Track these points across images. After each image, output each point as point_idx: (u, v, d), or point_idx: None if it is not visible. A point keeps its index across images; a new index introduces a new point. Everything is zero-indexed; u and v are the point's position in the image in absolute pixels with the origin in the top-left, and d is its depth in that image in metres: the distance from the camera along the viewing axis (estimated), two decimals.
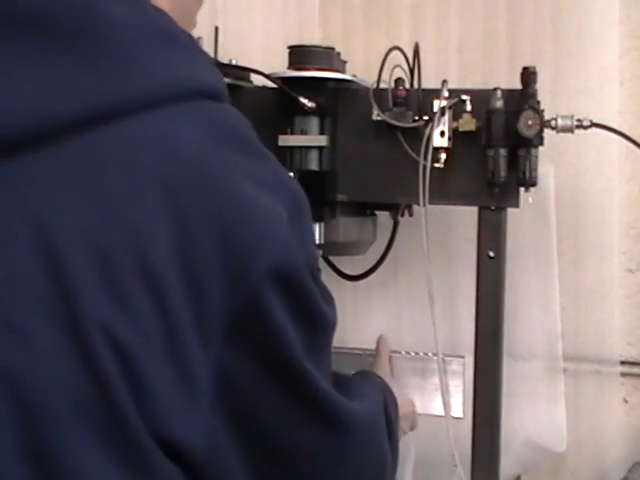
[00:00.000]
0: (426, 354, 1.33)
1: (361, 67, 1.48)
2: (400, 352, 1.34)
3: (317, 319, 0.73)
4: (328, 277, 1.52)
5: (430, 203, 1.28)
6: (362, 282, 1.56)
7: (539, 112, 1.27)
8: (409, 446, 1.32)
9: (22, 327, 0.61)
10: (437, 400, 1.30)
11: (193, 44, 0.71)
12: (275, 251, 0.66)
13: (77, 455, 0.62)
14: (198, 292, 0.64)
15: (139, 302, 0.62)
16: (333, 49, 1.36)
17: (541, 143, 1.29)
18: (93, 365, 0.61)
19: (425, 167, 1.28)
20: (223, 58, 1.38)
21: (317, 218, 1.32)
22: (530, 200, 1.31)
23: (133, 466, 0.63)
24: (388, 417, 0.96)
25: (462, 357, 1.33)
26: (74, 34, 0.64)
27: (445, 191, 1.32)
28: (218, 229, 0.64)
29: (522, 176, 1.28)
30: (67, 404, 0.61)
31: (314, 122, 1.34)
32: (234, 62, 1.37)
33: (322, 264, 1.45)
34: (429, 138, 1.29)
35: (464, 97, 1.30)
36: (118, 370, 0.61)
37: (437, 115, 1.29)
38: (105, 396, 0.61)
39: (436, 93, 1.31)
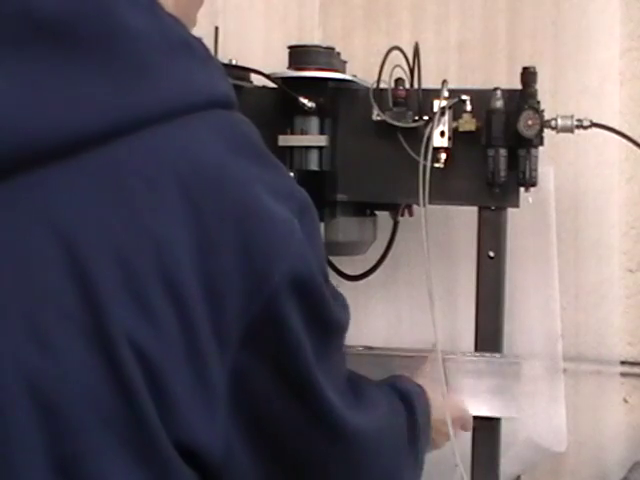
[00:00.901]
0: (483, 355, 1.30)
1: (361, 67, 1.48)
2: (456, 354, 1.30)
3: (330, 324, 0.74)
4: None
5: (430, 203, 1.28)
6: (362, 282, 1.56)
7: (539, 112, 1.27)
8: None
9: (51, 342, 0.62)
10: (492, 402, 1.28)
11: (207, 52, 0.71)
12: (292, 260, 0.67)
13: (104, 464, 0.63)
14: (218, 301, 0.65)
15: (163, 314, 0.63)
16: (333, 49, 1.36)
17: (541, 143, 1.29)
18: (120, 377, 0.62)
19: (425, 167, 1.28)
20: (223, 58, 1.38)
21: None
22: (530, 200, 1.31)
23: (155, 473, 0.64)
24: (413, 425, 0.97)
25: (518, 359, 1.31)
26: (94, 45, 0.64)
27: (445, 191, 1.32)
28: (238, 239, 0.65)
29: (522, 176, 1.28)
30: (95, 415, 0.62)
31: (314, 122, 1.34)
32: (234, 62, 1.37)
33: None
34: (429, 138, 1.29)
35: (464, 97, 1.30)
36: (143, 380, 0.62)
37: (437, 115, 1.29)
38: (131, 406, 0.62)
39: (436, 93, 1.31)
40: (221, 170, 0.66)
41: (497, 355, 1.29)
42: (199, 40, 0.71)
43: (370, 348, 1.36)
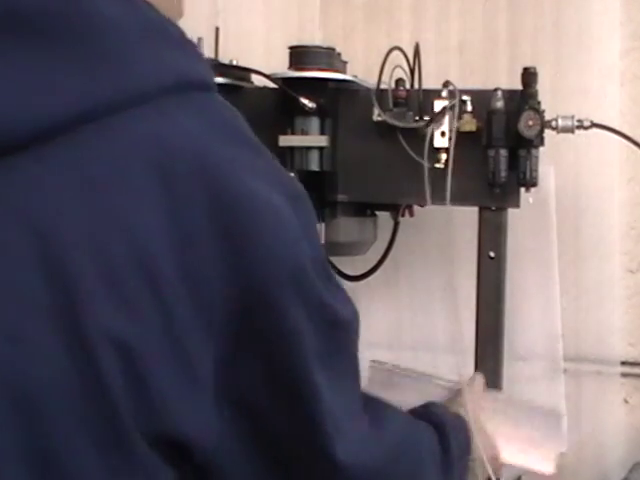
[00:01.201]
0: (523, 402, 1.21)
1: (362, 67, 1.48)
2: (495, 395, 1.21)
3: (326, 318, 0.69)
4: None
5: (431, 203, 1.28)
6: (363, 282, 1.56)
7: (539, 112, 1.27)
8: None
9: (22, 337, 0.60)
10: (528, 453, 1.17)
11: (183, 36, 0.70)
12: (281, 249, 0.65)
13: (77, 461, 0.61)
14: (199, 290, 0.63)
15: (141, 305, 0.61)
16: (334, 49, 1.36)
17: (542, 143, 1.29)
18: (96, 370, 0.60)
19: (430, 167, 1.28)
20: (224, 58, 1.38)
21: (317, 218, 1.31)
22: (530, 200, 1.31)
23: (129, 471, 0.63)
24: (446, 455, 0.89)
25: (560, 413, 1.24)
26: (64, 34, 0.63)
27: (446, 191, 1.32)
28: (219, 226, 0.63)
29: (523, 176, 1.28)
30: (69, 410, 0.61)
31: (315, 122, 1.34)
32: (235, 62, 1.37)
33: None
34: (433, 138, 1.29)
35: (465, 97, 1.30)
36: (121, 375, 0.61)
37: (442, 115, 1.29)
38: (105, 403, 0.61)
39: (436, 93, 1.31)
40: (198, 153, 0.64)
41: (539, 405, 1.20)
42: (176, 25, 0.70)
43: (401, 368, 1.27)
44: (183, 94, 0.66)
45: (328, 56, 1.35)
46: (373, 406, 0.80)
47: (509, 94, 1.30)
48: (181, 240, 0.62)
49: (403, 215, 1.47)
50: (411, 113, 1.32)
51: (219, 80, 1.33)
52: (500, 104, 1.29)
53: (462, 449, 0.96)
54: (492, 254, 1.33)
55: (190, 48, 0.70)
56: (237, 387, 0.66)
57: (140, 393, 0.61)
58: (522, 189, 1.30)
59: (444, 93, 1.30)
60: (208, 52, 1.39)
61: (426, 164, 1.28)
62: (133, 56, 0.64)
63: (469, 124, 1.30)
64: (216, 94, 0.69)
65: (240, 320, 0.64)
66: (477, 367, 1.34)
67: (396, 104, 1.33)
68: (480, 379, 1.18)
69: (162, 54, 0.66)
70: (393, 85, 1.33)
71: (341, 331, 0.72)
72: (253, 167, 0.66)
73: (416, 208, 1.43)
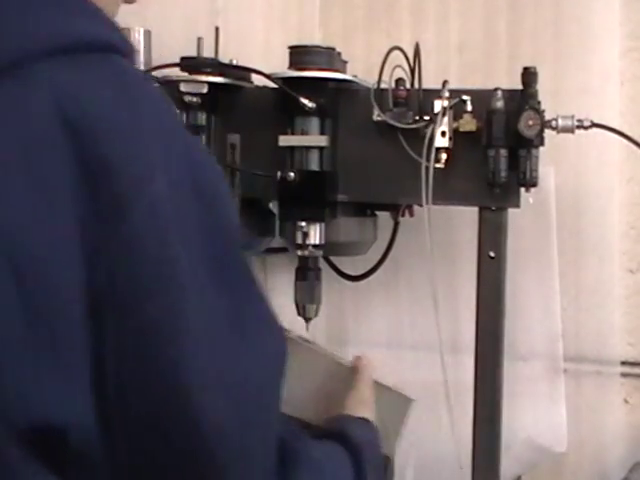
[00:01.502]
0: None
1: (362, 67, 1.48)
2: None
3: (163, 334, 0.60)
4: (329, 277, 1.52)
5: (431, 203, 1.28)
6: (363, 282, 1.56)
7: (540, 112, 1.27)
8: (408, 456, 1.31)
9: None
10: None
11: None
12: (148, 240, 0.59)
13: None
14: (61, 276, 0.58)
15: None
16: (334, 49, 1.36)
17: (542, 143, 1.29)
18: None
19: (428, 167, 1.28)
20: (224, 58, 1.38)
21: (318, 218, 1.32)
22: (531, 200, 1.31)
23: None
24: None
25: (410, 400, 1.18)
26: None
27: (446, 191, 1.32)
28: (88, 205, 0.58)
29: (523, 176, 1.28)
30: None
31: (314, 122, 1.34)
32: (235, 62, 1.37)
33: (323, 264, 1.46)
34: (432, 138, 1.29)
35: (465, 97, 1.30)
36: None
37: (439, 115, 1.29)
38: None
39: (436, 93, 1.31)
40: (73, 116, 0.59)
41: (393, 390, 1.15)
42: None
43: (306, 341, 1.23)
44: (70, 55, 0.61)
45: (328, 56, 1.35)
46: (288, 459, 0.71)
47: (509, 94, 1.30)
48: (44, 216, 0.58)
49: (403, 215, 1.48)
50: (411, 113, 1.32)
51: (219, 80, 1.34)
52: (500, 104, 1.29)
53: (378, 467, 0.90)
54: (492, 254, 1.33)
55: (89, 10, 0.65)
56: (109, 377, 0.60)
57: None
58: (522, 189, 1.30)
59: (444, 93, 1.30)
60: (208, 52, 1.39)
61: (424, 163, 1.28)
62: (9, 19, 0.61)
63: (469, 124, 1.30)
64: (116, 56, 0.64)
65: (98, 301, 0.59)
66: (477, 367, 1.34)
67: (396, 104, 1.33)
68: (366, 360, 1.11)
69: (43, 17, 0.62)
70: (393, 85, 1.33)
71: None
72: (145, 130, 0.61)
73: (416, 208, 1.43)
